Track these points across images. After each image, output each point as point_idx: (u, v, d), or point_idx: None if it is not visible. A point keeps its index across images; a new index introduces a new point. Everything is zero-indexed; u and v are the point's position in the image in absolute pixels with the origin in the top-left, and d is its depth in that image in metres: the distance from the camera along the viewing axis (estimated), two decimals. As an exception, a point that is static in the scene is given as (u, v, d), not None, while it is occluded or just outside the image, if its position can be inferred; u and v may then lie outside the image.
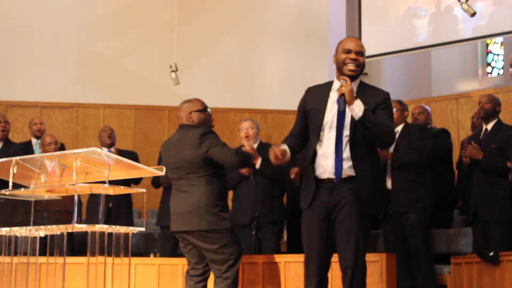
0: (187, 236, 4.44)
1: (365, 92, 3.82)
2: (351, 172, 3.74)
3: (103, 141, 6.77)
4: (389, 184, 5.46)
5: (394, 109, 5.50)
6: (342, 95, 3.62)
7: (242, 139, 5.94)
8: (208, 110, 4.64)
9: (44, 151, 6.62)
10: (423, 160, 5.47)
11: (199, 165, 4.40)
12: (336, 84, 3.82)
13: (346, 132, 3.74)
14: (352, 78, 3.77)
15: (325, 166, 3.77)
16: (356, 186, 3.72)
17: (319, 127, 3.80)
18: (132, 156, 6.61)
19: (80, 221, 5.77)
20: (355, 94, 3.69)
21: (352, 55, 3.78)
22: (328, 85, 3.92)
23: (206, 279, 4.51)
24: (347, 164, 3.74)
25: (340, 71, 3.83)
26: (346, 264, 3.76)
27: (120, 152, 6.65)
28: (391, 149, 5.50)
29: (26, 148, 7.05)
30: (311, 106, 3.90)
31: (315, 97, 3.91)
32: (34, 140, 7.33)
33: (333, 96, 3.82)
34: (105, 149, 6.66)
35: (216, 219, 4.35)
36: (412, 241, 5.37)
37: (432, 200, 5.53)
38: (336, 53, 3.88)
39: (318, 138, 3.81)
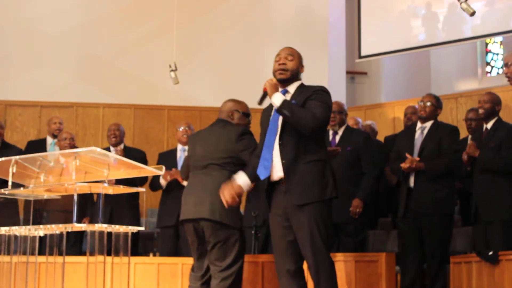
0: (198, 225, 4.37)
1: (301, 91, 3.97)
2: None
3: (109, 141, 6.78)
4: (411, 182, 5.38)
5: (429, 103, 5.46)
6: (265, 92, 3.88)
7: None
8: (250, 118, 4.69)
9: (59, 145, 6.73)
10: (453, 167, 5.41)
11: (227, 160, 4.39)
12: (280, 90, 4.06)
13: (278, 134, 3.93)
14: (284, 81, 3.99)
15: (273, 168, 3.93)
16: (286, 180, 3.85)
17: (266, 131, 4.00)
18: (140, 154, 6.60)
19: (91, 218, 5.78)
20: (289, 93, 3.95)
21: (281, 60, 4.01)
22: None
23: (209, 280, 4.48)
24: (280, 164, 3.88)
25: (276, 80, 4.03)
26: (307, 262, 3.85)
27: (128, 150, 6.64)
28: (418, 145, 5.42)
29: (40, 146, 7.10)
30: (262, 121, 4.11)
31: (265, 114, 4.12)
32: (50, 139, 7.35)
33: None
34: (111, 148, 6.67)
35: (229, 214, 4.31)
36: (430, 243, 5.28)
37: (454, 202, 5.49)
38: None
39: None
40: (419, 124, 5.55)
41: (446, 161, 5.32)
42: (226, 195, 3.91)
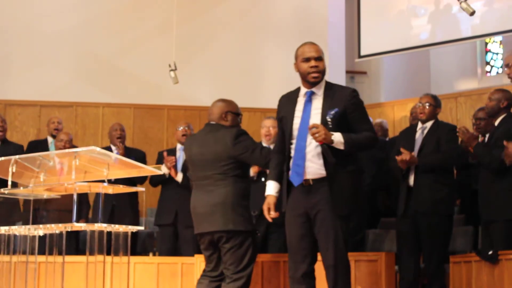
0: (213, 238, 4.36)
1: (332, 94, 3.90)
2: (323, 173, 3.82)
3: (113, 141, 6.72)
4: (411, 181, 5.34)
5: (427, 104, 5.45)
6: (323, 144, 3.76)
7: (262, 136, 5.88)
8: (241, 116, 4.67)
9: (56, 146, 6.77)
10: (449, 163, 5.39)
11: (228, 165, 4.36)
12: (303, 90, 3.95)
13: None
14: (317, 83, 3.90)
15: (307, 168, 3.86)
16: (329, 188, 3.80)
17: (290, 134, 3.93)
18: (139, 154, 6.60)
19: (87, 221, 5.83)
20: (321, 97, 3.87)
21: (312, 63, 3.88)
22: (296, 91, 4.03)
23: (219, 281, 4.48)
24: (318, 165, 3.82)
25: (304, 80, 3.95)
26: (327, 263, 3.84)
27: (127, 150, 6.62)
28: (418, 144, 5.40)
29: (41, 146, 7.11)
30: (282, 114, 4.02)
31: (286, 105, 4.03)
32: (50, 139, 7.39)
33: (301, 101, 3.94)
34: (114, 148, 6.65)
35: (242, 219, 4.32)
36: (429, 243, 5.26)
37: (454, 202, 5.47)
38: (296, 62, 3.97)
39: (290, 144, 3.92)
40: (420, 125, 5.54)
41: (441, 156, 5.30)
42: (267, 214, 3.97)
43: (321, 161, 3.82)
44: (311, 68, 3.87)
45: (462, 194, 6.26)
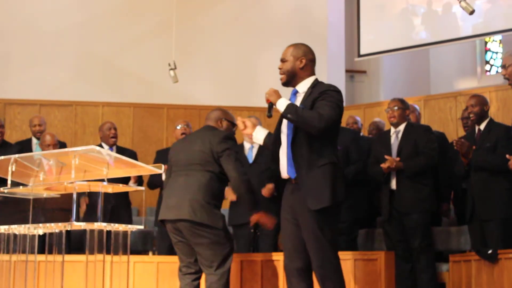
0: (178, 226, 4.37)
1: (313, 91, 3.94)
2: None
3: (106, 140, 6.65)
4: (393, 184, 5.48)
5: (396, 108, 5.56)
6: (270, 103, 3.89)
7: (244, 135, 5.90)
8: (235, 128, 4.75)
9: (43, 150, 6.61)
10: (432, 164, 5.49)
11: (208, 160, 4.41)
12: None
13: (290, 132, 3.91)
14: (287, 84, 4.03)
15: (282, 167, 3.94)
16: (301, 186, 3.81)
17: (279, 131, 4.01)
18: (132, 155, 6.55)
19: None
20: (300, 93, 3.96)
21: (279, 65, 4.03)
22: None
23: (199, 277, 4.48)
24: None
25: None
26: (314, 264, 3.84)
27: (120, 150, 6.59)
28: (394, 149, 5.51)
29: (25, 146, 7.04)
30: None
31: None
32: (34, 140, 7.29)
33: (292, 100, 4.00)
34: (106, 147, 6.60)
35: (208, 215, 4.31)
36: (414, 241, 5.37)
37: (435, 201, 5.56)
38: None
39: (280, 141, 3.99)
40: (392, 129, 5.65)
41: (424, 160, 5.43)
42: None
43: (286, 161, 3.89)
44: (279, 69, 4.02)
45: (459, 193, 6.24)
